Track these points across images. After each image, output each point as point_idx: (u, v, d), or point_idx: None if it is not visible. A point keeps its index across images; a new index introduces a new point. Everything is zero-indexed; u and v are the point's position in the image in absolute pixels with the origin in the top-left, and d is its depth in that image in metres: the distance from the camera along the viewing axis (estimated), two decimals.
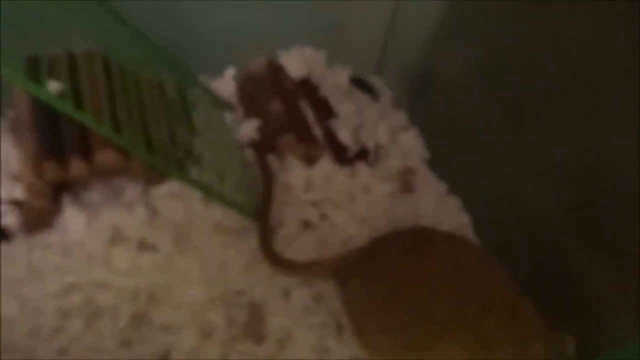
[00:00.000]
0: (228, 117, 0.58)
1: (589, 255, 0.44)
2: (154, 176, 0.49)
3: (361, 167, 0.56)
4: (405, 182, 0.58)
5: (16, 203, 0.46)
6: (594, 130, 0.42)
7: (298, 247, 0.50)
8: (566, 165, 0.45)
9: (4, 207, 0.46)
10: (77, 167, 0.44)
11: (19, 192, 0.46)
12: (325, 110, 0.59)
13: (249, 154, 0.56)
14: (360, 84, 0.64)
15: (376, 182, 0.55)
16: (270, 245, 0.49)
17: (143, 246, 0.48)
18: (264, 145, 0.56)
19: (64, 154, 0.44)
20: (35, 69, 0.38)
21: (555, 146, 0.46)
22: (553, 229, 0.47)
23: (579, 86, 0.43)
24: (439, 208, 0.56)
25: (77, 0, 0.44)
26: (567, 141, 0.45)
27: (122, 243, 0.47)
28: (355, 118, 0.60)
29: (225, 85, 0.60)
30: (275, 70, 0.60)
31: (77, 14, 0.44)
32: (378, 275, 0.44)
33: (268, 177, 0.53)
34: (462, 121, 0.57)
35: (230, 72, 0.60)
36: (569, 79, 0.43)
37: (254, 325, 0.46)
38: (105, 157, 0.44)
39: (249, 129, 0.57)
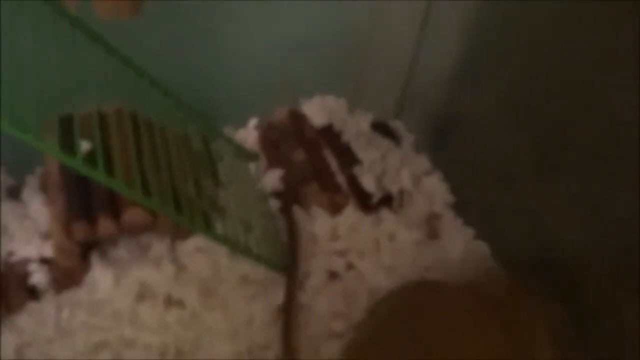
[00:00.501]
0: (252, 167, 0.58)
1: (625, 303, 0.43)
2: (180, 231, 0.49)
3: (386, 214, 0.55)
4: (431, 228, 0.57)
5: (45, 261, 0.47)
6: (630, 171, 0.40)
7: (325, 298, 0.50)
8: (600, 208, 0.44)
9: (34, 266, 0.47)
10: (106, 226, 0.44)
11: (48, 251, 0.47)
12: (348, 158, 0.59)
13: (274, 203, 0.56)
14: (381, 128, 0.64)
15: (401, 229, 0.55)
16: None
17: (170, 302, 0.48)
18: (288, 195, 0.56)
19: (93, 213, 0.45)
20: (68, 131, 0.39)
21: (586, 188, 0.45)
22: (587, 275, 0.46)
23: (610, 125, 0.42)
24: (466, 254, 0.55)
25: (104, 59, 0.45)
26: (600, 183, 0.44)
27: (149, 299, 0.47)
28: (378, 164, 0.59)
29: (249, 135, 0.60)
30: (298, 119, 0.60)
31: (105, 71, 0.45)
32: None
33: (293, 229, 0.53)
34: (487, 163, 0.56)
35: (253, 122, 0.61)
36: (599, 117, 0.42)
37: None
38: (133, 216, 0.45)
39: (272, 178, 0.57)
